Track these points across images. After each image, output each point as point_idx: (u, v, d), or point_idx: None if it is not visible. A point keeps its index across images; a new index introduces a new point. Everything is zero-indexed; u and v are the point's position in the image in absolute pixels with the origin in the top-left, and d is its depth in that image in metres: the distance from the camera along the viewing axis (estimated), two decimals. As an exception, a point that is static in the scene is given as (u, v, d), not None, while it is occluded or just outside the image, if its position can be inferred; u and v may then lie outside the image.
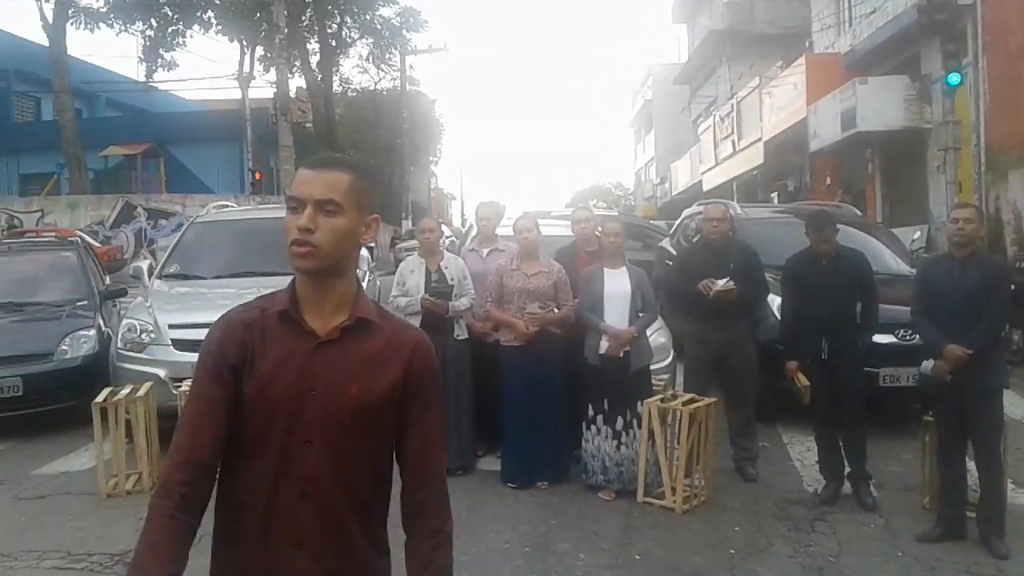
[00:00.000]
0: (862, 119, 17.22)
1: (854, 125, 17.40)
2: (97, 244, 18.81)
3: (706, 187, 29.60)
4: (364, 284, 8.68)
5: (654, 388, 5.79)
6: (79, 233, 15.91)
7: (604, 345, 5.53)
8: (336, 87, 36.85)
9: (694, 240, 9.57)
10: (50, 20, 25.03)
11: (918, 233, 12.07)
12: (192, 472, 1.69)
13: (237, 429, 1.74)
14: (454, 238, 12.70)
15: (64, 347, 7.64)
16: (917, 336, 5.28)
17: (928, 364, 4.70)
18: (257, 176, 26.10)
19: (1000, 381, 4.67)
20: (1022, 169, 13.55)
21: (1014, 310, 9.18)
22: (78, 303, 8.40)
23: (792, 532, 4.90)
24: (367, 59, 37.16)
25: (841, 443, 5.40)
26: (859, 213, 10.63)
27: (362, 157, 38.17)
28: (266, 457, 1.73)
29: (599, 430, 5.55)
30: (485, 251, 6.70)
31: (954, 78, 13.85)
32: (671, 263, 9.91)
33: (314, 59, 34.00)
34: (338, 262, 1.75)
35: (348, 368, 1.74)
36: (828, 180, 21.36)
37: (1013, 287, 9.26)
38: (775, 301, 6.50)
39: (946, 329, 4.60)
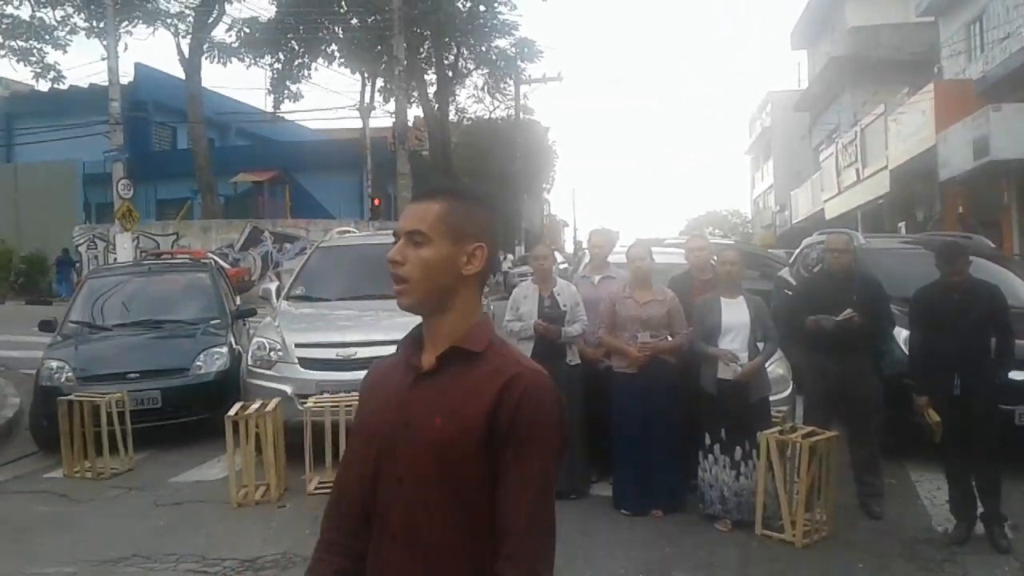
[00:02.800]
0: (996, 147, 16.46)
1: (987, 153, 16.64)
2: (227, 266, 19.73)
3: (828, 215, 28.78)
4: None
5: (773, 420, 5.69)
6: (211, 255, 16.72)
7: (722, 369, 5.45)
8: (452, 116, 37.64)
9: (815, 270, 9.35)
10: (186, 55, 26.61)
11: (1058, 266, 11.42)
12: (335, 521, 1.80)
13: None
14: (566, 264, 12.76)
15: (199, 363, 8.08)
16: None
17: None
18: (376, 203, 26.90)
19: None
20: None
21: None
22: (212, 321, 8.88)
23: (920, 572, 4.71)
24: (482, 89, 37.86)
25: (974, 482, 5.16)
26: (992, 245, 10.14)
27: (476, 185, 38.93)
28: (368, 497, 1.71)
29: (716, 460, 5.48)
30: (597, 278, 6.73)
31: (1098, 104, 13.13)
32: (790, 293, 9.70)
33: (431, 89, 34.85)
34: (435, 297, 1.66)
35: (440, 401, 1.63)
36: (960, 210, 20.45)
37: None
38: (902, 334, 6.28)
39: None
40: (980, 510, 5.14)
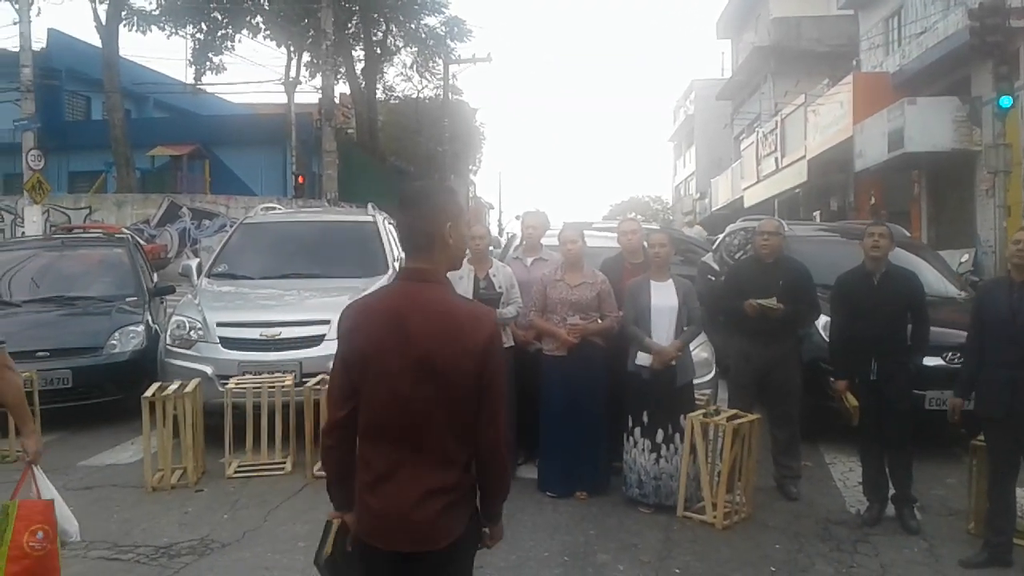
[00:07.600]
0: (910, 140, 17.04)
1: (901, 145, 17.22)
2: (142, 242, 19.06)
3: (747, 203, 29.42)
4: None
5: (696, 403, 5.77)
6: (126, 230, 16.16)
7: (648, 359, 5.50)
8: (379, 94, 37.11)
9: (738, 256, 9.53)
10: (103, 21, 25.55)
11: (966, 256, 11.92)
12: None
13: None
14: (492, 247, 12.73)
15: (113, 341, 7.80)
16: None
17: None
18: (300, 180, 26.32)
19: None
20: (1074, 194, 13.32)
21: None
22: (127, 299, 8.57)
23: (834, 552, 4.84)
24: (411, 67, 37.46)
25: (886, 465, 5.33)
26: (907, 233, 10.50)
27: (403, 164, 38.57)
28: None
29: (636, 443, 5.54)
30: (529, 260, 6.71)
31: (1006, 101, 13.69)
32: (713, 278, 9.87)
33: (359, 66, 34.33)
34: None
35: None
36: (872, 200, 21.13)
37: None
38: (821, 320, 6.43)
39: (1004, 356, 4.52)
40: (891, 492, 5.32)
